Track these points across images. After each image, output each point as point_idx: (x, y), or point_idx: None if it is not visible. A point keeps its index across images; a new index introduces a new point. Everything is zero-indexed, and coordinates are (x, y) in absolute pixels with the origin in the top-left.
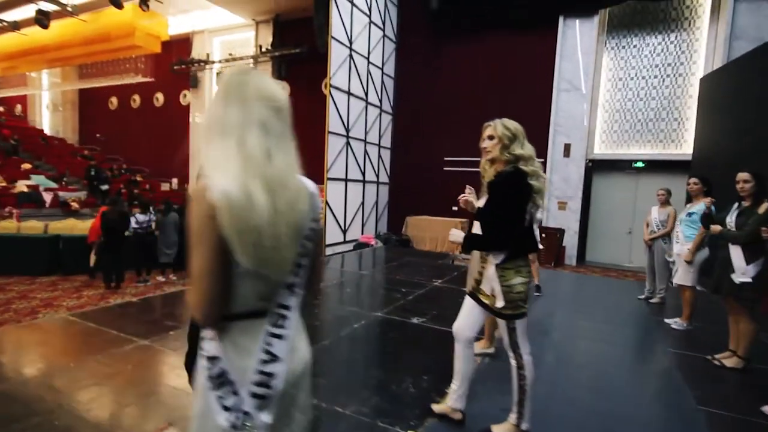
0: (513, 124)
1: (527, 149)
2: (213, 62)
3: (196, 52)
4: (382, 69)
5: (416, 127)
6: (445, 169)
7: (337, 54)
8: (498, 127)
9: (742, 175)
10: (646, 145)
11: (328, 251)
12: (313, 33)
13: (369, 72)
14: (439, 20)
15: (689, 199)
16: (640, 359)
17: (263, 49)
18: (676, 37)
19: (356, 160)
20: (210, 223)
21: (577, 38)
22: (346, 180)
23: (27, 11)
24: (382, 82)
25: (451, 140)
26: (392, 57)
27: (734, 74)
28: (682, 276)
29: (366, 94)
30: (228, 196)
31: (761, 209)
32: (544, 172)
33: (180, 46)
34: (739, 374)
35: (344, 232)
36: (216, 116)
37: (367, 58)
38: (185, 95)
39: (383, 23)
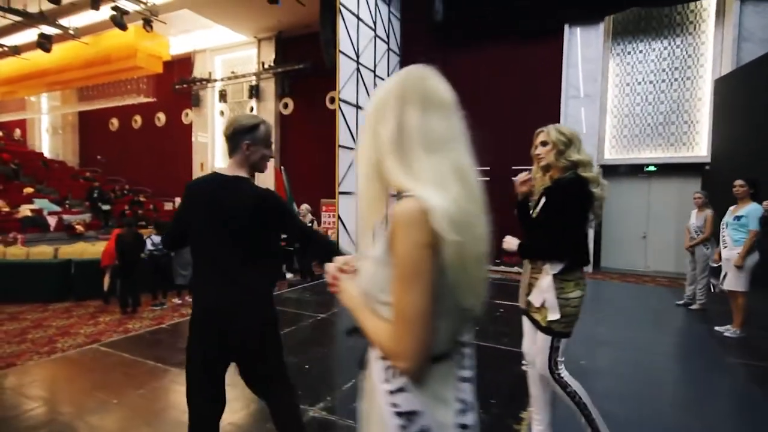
0: (568, 129)
1: (585, 155)
2: (215, 80)
3: (198, 71)
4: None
5: None
6: None
7: (344, 68)
8: (552, 132)
9: None
10: (657, 149)
11: None
12: (316, 48)
13: (375, 85)
14: (442, 31)
15: (734, 201)
16: (707, 373)
17: (266, 66)
18: (682, 41)
19: None
20: (430, 253)
21: (579, 45)
22: (353, 194)
23: (29, 35)
24: None
25: None
26: (396, 69)
27: (751, 76)
28: (733, 281)
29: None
30: (454, 222)
31: None
32: None
33: (181, 65)
34: None
35: (356, 247)
36: (412, 125)
37: (374, 71)
38: (187, 114)
39: (387, 36)
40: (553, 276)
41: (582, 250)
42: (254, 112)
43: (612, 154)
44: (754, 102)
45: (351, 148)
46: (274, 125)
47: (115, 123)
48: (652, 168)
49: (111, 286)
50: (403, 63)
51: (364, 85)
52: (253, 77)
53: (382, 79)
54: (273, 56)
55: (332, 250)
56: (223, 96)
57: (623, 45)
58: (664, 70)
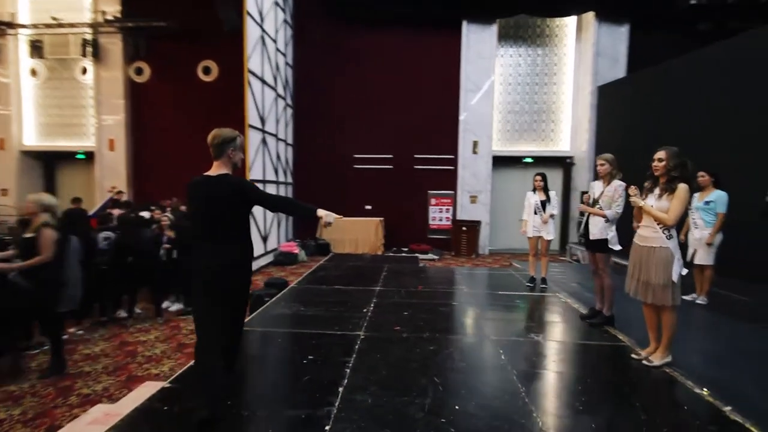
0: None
1: None
2: (20, 26)
3: None
4: (285, 56)
5: (320, 122)
6: (355, 167)
7: (250, 34)
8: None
9: None
10: (532, 144)
11: (255, 265)
12: (183, 4)
13: (277, 58)
14: (341, 9)
15: (699, 189)
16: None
17: (108, 17)
18: (549, 51)
19: (271, 159)
20: None
21: (477, 43)
22: (264, 182)
23: None
24: (286, 70)
25: (360, 137)
26: (291, 43)
27: (628, 85)
28: (704, 257)
29: (275, 83)
30: None
31: None
32: (455, 168)
33: None
34: None
35: (265, 241)
36: None
37: (275, 42)
38: None
39: (284, 3)
40: None
41: None
42: (90, 75)
43: (498, 146)
44: (630, 107)
45: (261, 129)
46: (123, 94)
47: None
48: (529, 159)
49: None
50: (297, 37)
51: (268, 57)
52: (88, 29)
53: (281, 53)
54: (118, 7)
55: (312, 208)
56: (37, 49)
57: (506, 48)
58: (537, 74)
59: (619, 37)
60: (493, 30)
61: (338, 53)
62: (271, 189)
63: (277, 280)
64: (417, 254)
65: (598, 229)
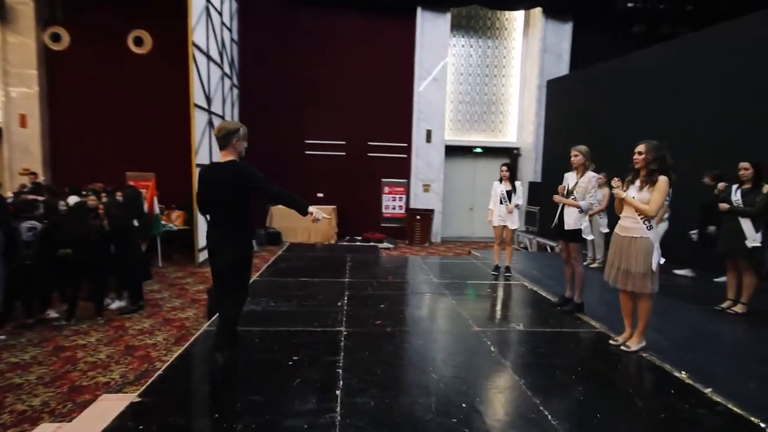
0: None
1: None
2: None
3: None
4: (230, 31)
5: (269, 105)
6: (307, 153)
7: (195, 3)
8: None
9: (744, 164)
10: (482, 134)
11: (200, 256)
12: None
13: (223, 33)
14: None
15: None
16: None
17: None
18: (499, 43)
19: None
20: None
21: (431, 30)
22: None
23: None
24: (231, 47)
25: (312, 123)
26: (236, 18)
27: (574, 81)
28: None
29: (221, 60)
30: None
31: (765, 189)
32: (409, 156)
33: None
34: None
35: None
36: None
37: (221, 15)
38: None
39: None
40: None
41: None
42: None
43: (450, 136)
44: (578, 101)
45: (207, 110)
46: (36, 63)
47: None
48: (479, 150)
49: None
50: (242, 11)
51: (213, 31)
52: None
53: (228, 28)
54: None
55: (305, 204)
56: None
57: (458, 38)
58: (487, 66)
59: (563, 34)
60: (447, 18)
61: (288, 33)
62: None
63: None
64: (372, 243)
65: (572, 219)
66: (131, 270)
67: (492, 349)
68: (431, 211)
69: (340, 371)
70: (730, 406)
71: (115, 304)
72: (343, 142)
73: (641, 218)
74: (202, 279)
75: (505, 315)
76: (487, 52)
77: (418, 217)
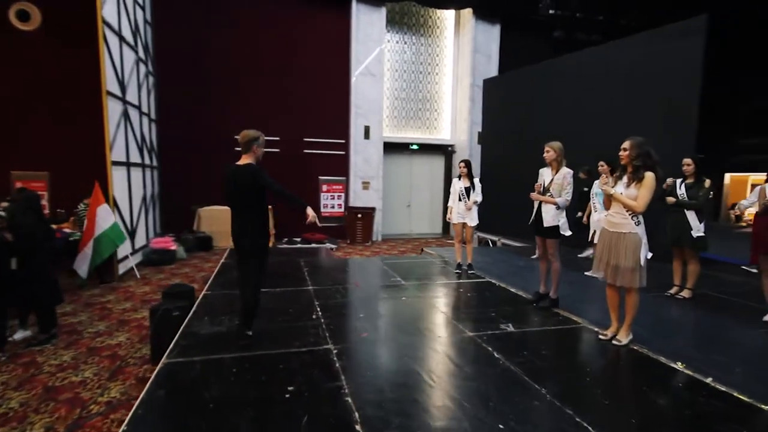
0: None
1: None
2: None
3: None
4: (144, 10)
5: (191, 96)
6: (236, 149)
7: None
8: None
9: (686, 160)
10: (417, 131)
11: (121, 268)
12: None
13: (136, 12)
14: None
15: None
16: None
17: None
18: (432, 41)
19: (135, 136)
20: None
21: (366, 25)
22: (128, 164)
23: None
24: (146, 29)
25: (242, 116)
26: None
27: (511, 80)
28: None
29: (136, 43)
30: None
31: (706, 184)
32: (347, 153)
33: None
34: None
35: (132, 237)
36: None
37: None
38: None
39: None
40: None
41: None
42: None
43: (387, 132)
44: (512, 100)
45: (122, 99)
46: None
47: None
48: (415, 146)
49: None
50: None
51: (126, 8)
52: None
53: (141, 7)
54: None
55: (304, 203)
56: None
57: (392, 34)
58: (421, 63)
59: (492, 35)
60: (383, 13)
61: (212, 16)
62: (137, 172)
63: (180, 287)
64: (313, 244)
65: (550, 216)
66: (40, 290)
67: (496, 355)
68: (372, 209)
69: (349, 399)
70: (736, 394)
71: (19, 334)
72: (277, 138)
73: (629, 214)
74: (127, 295)
75: (490, 316)
76: (421, 49)
77: (359, 215)
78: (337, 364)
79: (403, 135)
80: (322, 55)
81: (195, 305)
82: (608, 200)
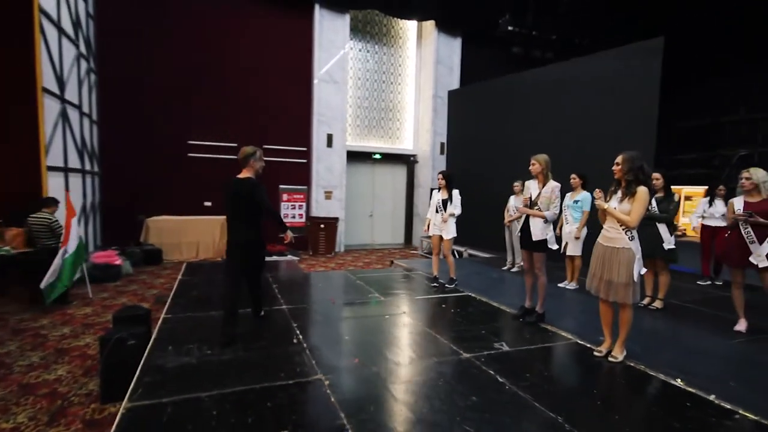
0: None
1: None
2: None
3: None
4: (86, 2)
5: (139, 97)
6: (190, 155)
7: None
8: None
9: (655, 174)
10: (380, 140)
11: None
12: None
13: (77, 3)
14: None
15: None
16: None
17: None
18: (395, 51)
19: (74, 139)
20: None
21: (329, 31)
22: (66, 170)
23: None
24: (88, 23)
25: (196, 121)
26: None
27: (475, 92)
28: (573, 248)
29: (77, 37)
30: None
31: (676, 198)
32: (309, 161)
33: None
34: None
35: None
36: None
37: None
38: None
39: None
40: None
41: None
42: None
43: (350, 141)
44: (476, 112)
45: (60, 97)
46: None
47: None
48: (378, 156)
49: None
50: None
51: None
52: None
53: None
54: None
55: (285, 225)
56: None
57: (356, 41)
58: (384, 72)
59: (454, 48)
60: (346, 20)
61: (164, 11)
62: (76, 179)
63: (133, 310)
64: (274, 255)
65: (538, 229)
66: None
67: (500, 379)
68: (335, 219)
69: None
70: (741, 411)
71: None
72: (234, 145)
73: (623, 229)
74: (64, 318)
75: (480, 334)
76: (384, 58)
77: (322, 225)
78: (332, 398)
79: (365, 144)
80: (284, 60)
81: (155, 332)
82: (603, 215)
